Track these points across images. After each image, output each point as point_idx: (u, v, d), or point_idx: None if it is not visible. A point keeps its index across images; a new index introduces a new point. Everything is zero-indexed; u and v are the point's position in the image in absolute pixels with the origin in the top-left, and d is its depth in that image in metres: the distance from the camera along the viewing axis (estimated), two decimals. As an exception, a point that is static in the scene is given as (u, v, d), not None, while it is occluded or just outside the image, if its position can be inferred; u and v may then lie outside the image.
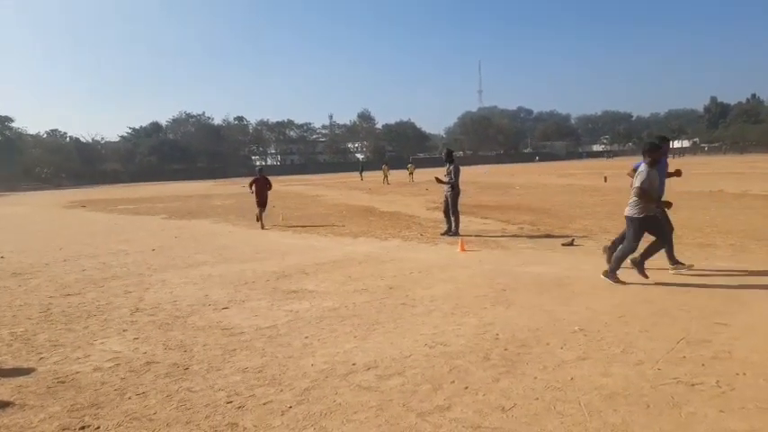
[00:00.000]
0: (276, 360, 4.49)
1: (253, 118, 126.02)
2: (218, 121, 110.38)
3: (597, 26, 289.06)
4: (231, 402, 3.71)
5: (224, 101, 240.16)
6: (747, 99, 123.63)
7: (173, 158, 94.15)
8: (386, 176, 37.75)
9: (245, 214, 17.72)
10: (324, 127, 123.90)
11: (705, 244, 9.03)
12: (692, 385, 3.69)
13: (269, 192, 14.90)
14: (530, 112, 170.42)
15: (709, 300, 5.74)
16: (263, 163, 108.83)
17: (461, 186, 11.89)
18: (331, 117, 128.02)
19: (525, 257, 8.57)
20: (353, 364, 4.32)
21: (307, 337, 5.04)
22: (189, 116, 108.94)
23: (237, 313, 6.01)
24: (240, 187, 42.00)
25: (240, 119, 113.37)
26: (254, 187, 14.72)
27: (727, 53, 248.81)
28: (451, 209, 11.31)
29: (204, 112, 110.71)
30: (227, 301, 6.58)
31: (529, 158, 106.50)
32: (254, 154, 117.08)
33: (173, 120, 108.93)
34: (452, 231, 11.17)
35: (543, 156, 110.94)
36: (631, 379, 3.82)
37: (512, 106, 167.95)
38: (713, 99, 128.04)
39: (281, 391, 3.87)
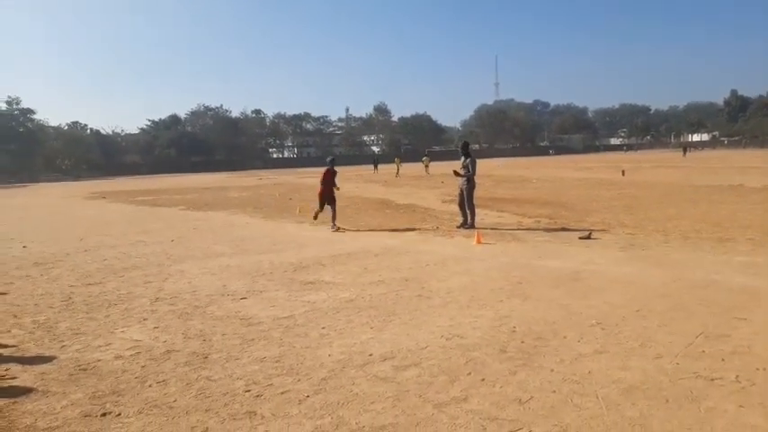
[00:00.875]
0: (294, 350, 4.54)
1: (270, 111, 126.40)
2: (235, 113, 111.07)
3: (614, 19, 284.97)
4: (249, 391, 3.76)
5: (241, 94, 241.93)
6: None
7: (191, 151, 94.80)
8: (398, 169, 37.94)
9: (262, 206, 17.85)
10: (340, 120, 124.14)
11: (725, 238, 8.91)
12: (712, 380, 3.66)
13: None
14: (546, 105, 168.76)
15: (728, 294, 5.68)
16: (281, 155, 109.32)
17: (477, 180, 11.82)
18: (347, 110, 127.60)
19: (541, 251, 8.53)
20: (370, 355, 4.35)
21: (324, 328, 5.08)
22: (207, 109, 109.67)
23: (255, 303, 6.07)
24: (257, 179, 42.26)
25: (258, 112, 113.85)
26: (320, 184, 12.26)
27: (747, 46, 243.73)
28: (467, 202, 11.28)
29: (222, 105, 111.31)
30: (245, 291, 6.64)
31: (544, 152, 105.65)
32: (272, 146, 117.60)
33: (191, 112, 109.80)
34: (468, 224, 11.16)
35: (559, 149, 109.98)
36: (650, 373, 3.80)
37: (528, 99, 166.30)
38: (733, 92, 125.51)
39: (299, 380, 3.91)
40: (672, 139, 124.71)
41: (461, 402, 3.46)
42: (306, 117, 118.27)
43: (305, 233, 11.67)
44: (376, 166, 46.19)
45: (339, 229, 11.73)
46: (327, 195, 12.17)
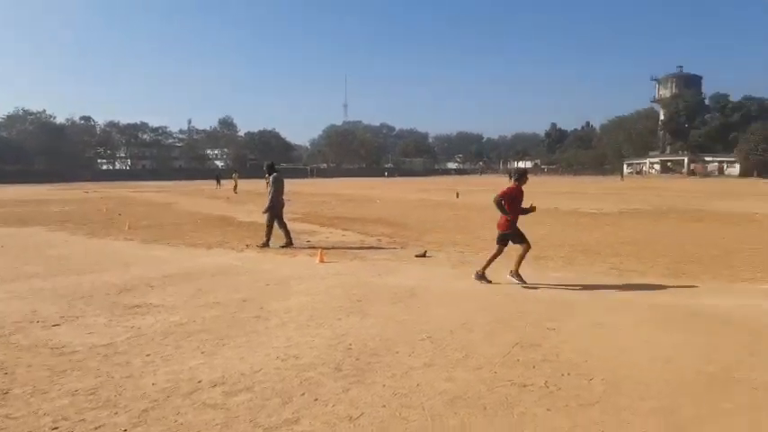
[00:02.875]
0: (112, 381, 4.13)
1: (102, 119, 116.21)
2: (60, 119, 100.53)
3: (453, 51, 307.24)
4: (57, 429, 3.35)
5: (72, 99, 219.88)
6: (582, 126, 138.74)
7: (5, 159, 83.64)
8: (236, 185, 36.87)
9: (86, 222, 16.26)
10: (182, 131, 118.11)
11: (541, 256, 9.88)
12: (524, 386, 4.00)
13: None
14: (392, 128, 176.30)
15: (542, 306, 6.29)
16: (112, 167, 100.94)
17: (287, 197, 11.90)
18: (190, 122, 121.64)
19: (382, 268, 8.78)
20: (199, 382, 4.11)
21: (148, 355, 4.70)
22: (27, 113, 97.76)
23: (70, 330, 5.45)
24: (83, 192, 38.44)
25: (87, 119, 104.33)
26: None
27: (565, 85, 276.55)
28: (277, 221, 11.17)
29: (45, 110, 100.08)
30: (59, 317, 5.94)
31: (390, 173, 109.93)
32: (102, 157, 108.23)
33: (6, 116, 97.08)
34: (264, 243, 11.00)
35: (402, 171, 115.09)
36: (471, 383, 4.05)
37: (375, 122, 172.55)
38: (553, 125, 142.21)
39: (116, 413, 3.56)
40: (501, 165, 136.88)
41: (292, 424, 3.39)
42: (142, 127, 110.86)
43: (133, 251, 10.79)
44: (219, 182, 44.52)
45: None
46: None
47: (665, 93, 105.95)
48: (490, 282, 7.49)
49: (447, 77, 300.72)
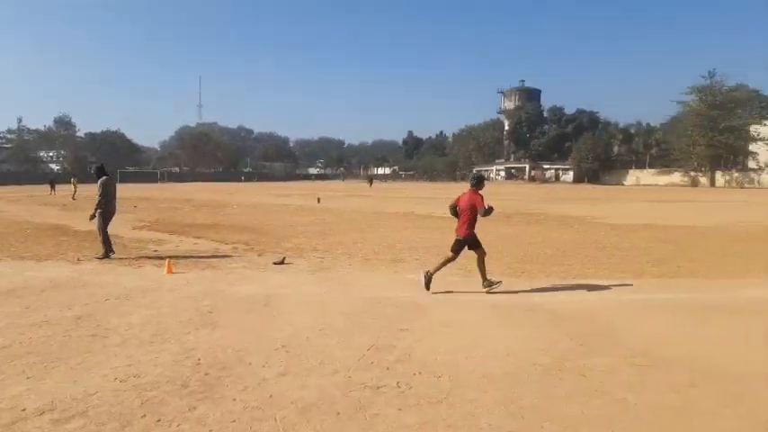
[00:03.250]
0: None
1: None
2: None
3: (313, 53, 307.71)
4: None
5: None
6: (437, 135, 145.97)
7: None
8: (74, 191, 33.61)
9: None
10: (10, 131, 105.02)
11: (397, 259, 10.19)
12: (378, 388, 4.06)
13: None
14: (250, 131, 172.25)
15: (396, 309, 6.46)
16: None
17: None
18: (20, 120, 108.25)
19: (236, 277, 8.48)
20: (23, 410, 3.65)
21: (-43, 386, 4.08)
22: None
23: None
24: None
25: None
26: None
27: (423, 93, 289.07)
28: (98, 228, 10.24)
29: None
30: None
31: (248, 177, 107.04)
32: None
33: None
34: (101, 255, 10.13)
35: (262, 176, 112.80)
36: (326, 389, 4.02)
37: (233, 124, 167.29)
38: (410, 133, 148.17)
39: None
40: (361, 171, 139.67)
41: (131, 451, 3.12)
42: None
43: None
44: (53, 187, 40.30)
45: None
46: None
47: (510, 105, 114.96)
48: (428, 287, 7.42)
49: (309, 82, 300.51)
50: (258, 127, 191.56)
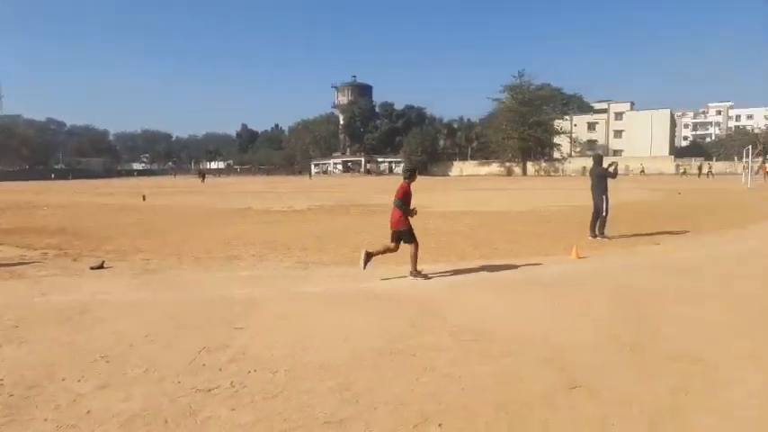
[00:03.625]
0: None
1: None
2: None
3: (130, 40, 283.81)
4: None
5: None
6: (272, 128, 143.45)
7: None
8: None
9: None
10: None
11: (232, 256, 9.86)
12: (209, 390, 3.89)
13: None
14: (62, 124, 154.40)
15: (231, 307, 6.24)
16: None
17: None
18: None
19: (46, 286, 7.56)
20: None
21: None
22: None
23: None
24: None
25: None
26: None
27: (256, 86, 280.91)
28: None
29: None
30: None
31: (60, 175, 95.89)
32: None
33: None
34: None
35: (78, 173, 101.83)
36: (152, 397, 3.76)
37: (40, 117, 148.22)
38: (244, 126, 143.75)
39: None
40: (192, 166, 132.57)
41: None
42: None
43: None
44: None
45: None
46: None
47: (344, 99, 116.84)
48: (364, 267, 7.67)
49: (130, 69, 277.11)
50: (71, 119, 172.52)
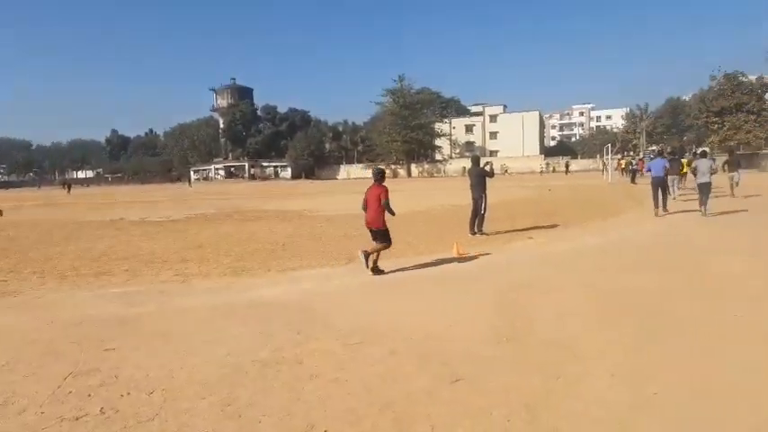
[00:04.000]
0: None
1: None
2: None
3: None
4: None
5: None
6: (146, 133, 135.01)
7: None
8: None
9: None
10: None
11: (102, 272, 9.19)
12: (77, 419, 3.63)
13: None
14: None
15: (101, 327, 5.84)
16: None
17: None
18: None
19: None
20: None
21: None
22: None
23: None
24: None
25: None
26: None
27: (126, 91, 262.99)
28: None
29: None
30: None
31: None
32: None
33: None
34: None
35: None
36: (12, 431, 3.42)
37: None
38: (114, 131, 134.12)
39: None
40: (57, 176, 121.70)
41: None
42: None
43: None
44: None
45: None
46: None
47: (223, 102, 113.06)
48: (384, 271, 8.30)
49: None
50: None
